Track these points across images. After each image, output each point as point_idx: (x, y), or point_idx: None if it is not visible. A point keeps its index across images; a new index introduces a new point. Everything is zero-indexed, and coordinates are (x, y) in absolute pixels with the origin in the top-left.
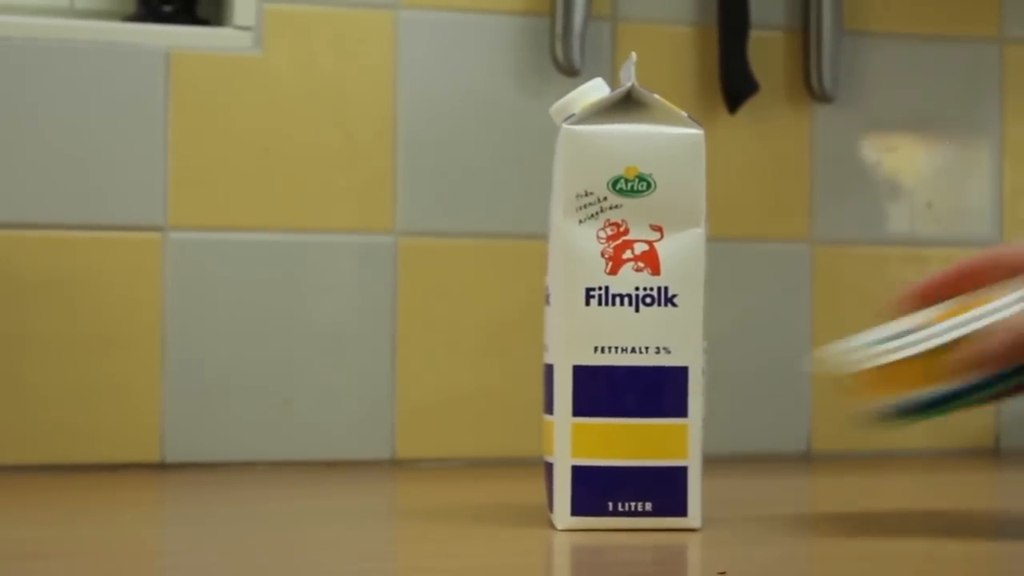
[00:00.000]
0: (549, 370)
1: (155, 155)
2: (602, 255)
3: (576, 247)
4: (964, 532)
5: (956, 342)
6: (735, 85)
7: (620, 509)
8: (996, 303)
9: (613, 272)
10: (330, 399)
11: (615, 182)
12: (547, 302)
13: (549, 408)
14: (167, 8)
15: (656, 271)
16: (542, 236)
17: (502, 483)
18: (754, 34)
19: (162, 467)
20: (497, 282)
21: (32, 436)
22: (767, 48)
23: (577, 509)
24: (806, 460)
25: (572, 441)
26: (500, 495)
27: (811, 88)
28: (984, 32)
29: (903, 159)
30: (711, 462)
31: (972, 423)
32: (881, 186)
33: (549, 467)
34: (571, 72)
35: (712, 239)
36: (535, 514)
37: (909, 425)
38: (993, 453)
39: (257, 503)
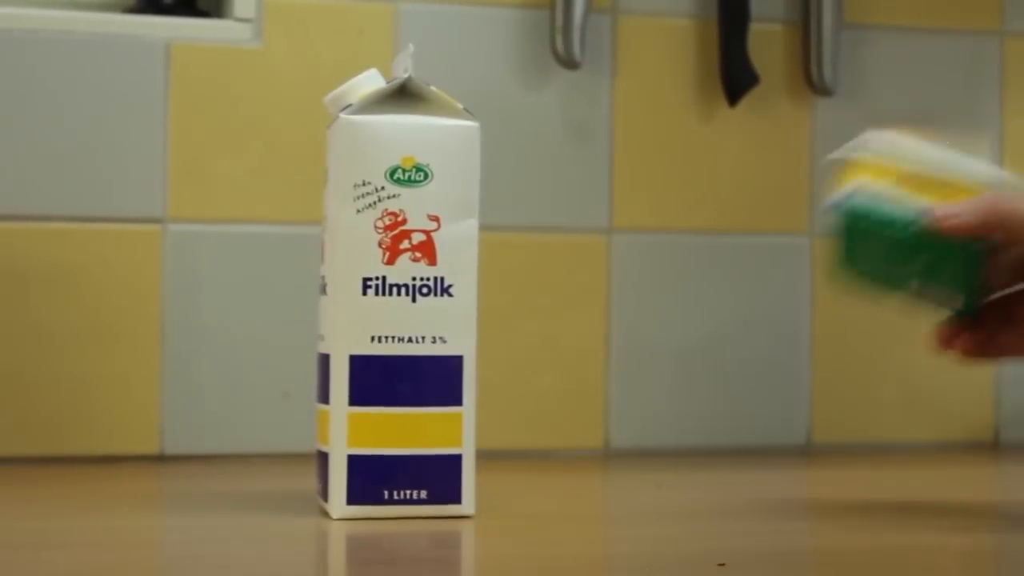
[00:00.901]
0: (324, 360)
1: (155, 147)
2: (379, 245)
3: (354, 237)
4: (964, 525)
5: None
6: (735, 78)
7: (396, 497)
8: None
9: (390, 262)
10: None
11: (392, 172)
12: (322, 292)
13: (324, 398)
14: (167, 0)
15: (433, 261)
16: (534, 228)
17: None
18: (754, 27)
19: (161, 459)
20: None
21: (31, 428)
22: (767, 41)
23: (353, 498)
24: (806, 453)
25: (348, 430)
26: None
27: (811, 81)
28: (984, 25)
29: None
30: (712, 455)
31: (972, 416)
32: None
33: (324, 456)
34: (571, 65)
35: (712, 232)
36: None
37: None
38: (992, 446)
39: (256, 496)
